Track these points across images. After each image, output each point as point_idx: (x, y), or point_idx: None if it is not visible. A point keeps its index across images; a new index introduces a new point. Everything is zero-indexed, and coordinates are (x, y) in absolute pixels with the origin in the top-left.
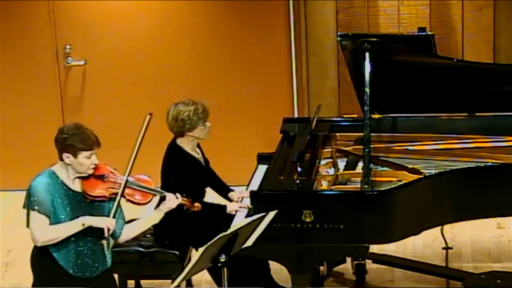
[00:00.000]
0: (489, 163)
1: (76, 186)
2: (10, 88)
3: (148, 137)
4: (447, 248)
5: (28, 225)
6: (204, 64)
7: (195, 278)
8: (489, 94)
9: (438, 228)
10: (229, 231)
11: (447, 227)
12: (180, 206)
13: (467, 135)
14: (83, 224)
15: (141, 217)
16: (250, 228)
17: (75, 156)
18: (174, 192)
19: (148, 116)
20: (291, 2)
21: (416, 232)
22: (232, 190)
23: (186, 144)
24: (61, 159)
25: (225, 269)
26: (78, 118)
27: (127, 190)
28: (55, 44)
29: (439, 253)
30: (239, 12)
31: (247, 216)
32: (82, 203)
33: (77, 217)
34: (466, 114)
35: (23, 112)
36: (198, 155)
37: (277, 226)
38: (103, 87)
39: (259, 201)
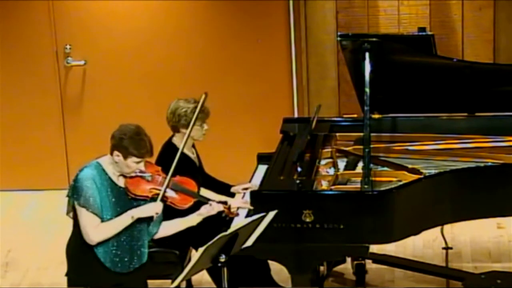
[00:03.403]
0: (489, 163)
1: (121, 181)
2: (10, 88)
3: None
4: (447, 248)
5: (68, 213)
6: (204, 64)
7: (195, 278)
8: (489, 94)
9: (438, 228)
10: (229, 231)
11: (447, 227)
12: (219, 212)
13: (467, 135)
14: (133, 217)
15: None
16: (250, 228)
17: (125, 158)
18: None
19: (203, 96)
20: (291, 2)
21: (416, 232)
22: (232, 185)
23: (180, 142)
24: (111, 154)
25: (225, 269)
26: (78, 118)
27: (169, 193)
28: (55, 44)
29: (439, 253)
30: (239, 12)
31: (247, 216)
32: (124, 199)
33: (120, 211)
34: (466, 114)
35: (23, 112)
36: (193, 155)
37: (277, 226)
38: (103, 87)
39: (259, 201)
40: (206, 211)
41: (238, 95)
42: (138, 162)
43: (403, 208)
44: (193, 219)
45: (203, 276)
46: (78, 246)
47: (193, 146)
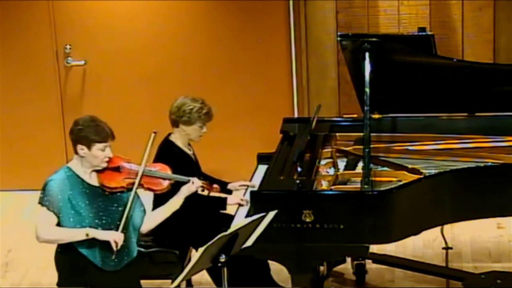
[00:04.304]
0: (489, 163)
1: (93, 180)
2: (10, 88)
3: (147, 135)
4: (447, 248)
5: None
6: (204, 64)
7: (195, 278)
8: (489, 94)
9: (438, 228)
10: (229, 231)
11: (447, 227)
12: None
13: (467, 135)
14: (87, 234)
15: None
16: (250, 228)
17: (89, 148)
18: None
19: (152, 135)
20: (291, 2)
21: (416, 232)
22: (228, 183)
23: (178, 138)
24: (76, 152)
25: (225, 269)
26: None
27: (144, 179)
28: (55, 44)
29: (439, 253)
30: (239, 12)
31: (247, 216)
32: (100, 196)
33: (97, 209)
34: (466, 114)
35: (23, 112)
36: (190, 151)
37: (277, 226)
38: (103, 87)
39: (259, 201)
40: (186, 189)
41: (238, 95)
42: (103, 149)
43: (403, 208)
44: (175, 202)
45: (203, 276)
46: (64, 252)
47: (189, 144)
